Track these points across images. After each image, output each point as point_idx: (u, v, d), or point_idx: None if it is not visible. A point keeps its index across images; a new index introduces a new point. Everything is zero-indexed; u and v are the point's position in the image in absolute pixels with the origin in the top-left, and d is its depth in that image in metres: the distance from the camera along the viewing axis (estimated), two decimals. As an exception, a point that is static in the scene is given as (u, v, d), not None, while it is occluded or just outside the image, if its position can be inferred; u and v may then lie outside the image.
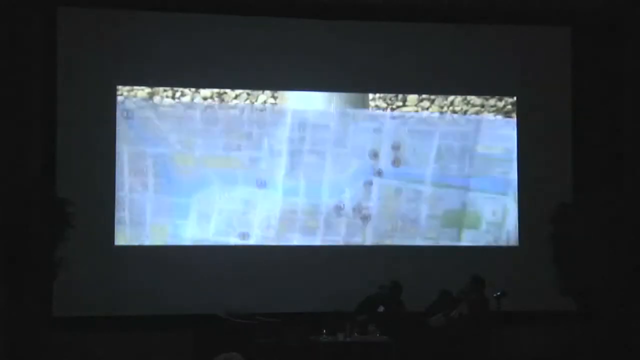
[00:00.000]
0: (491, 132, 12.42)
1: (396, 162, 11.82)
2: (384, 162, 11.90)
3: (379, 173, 11.96)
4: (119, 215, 11.76)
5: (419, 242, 12.02)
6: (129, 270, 11.72)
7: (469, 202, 12.11)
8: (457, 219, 12.11)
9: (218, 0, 12.14)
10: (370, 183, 11.91)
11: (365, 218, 11.83)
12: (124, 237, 11.80)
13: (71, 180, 11.54)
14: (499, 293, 10.51)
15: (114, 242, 11.77)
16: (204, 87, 12.06)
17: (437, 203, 11.99)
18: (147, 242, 11.84)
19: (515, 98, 12.72)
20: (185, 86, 12.01)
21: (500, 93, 12.73)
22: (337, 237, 11.85)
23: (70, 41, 11.74)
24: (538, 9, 12.57)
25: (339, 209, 11.73)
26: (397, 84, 12.45)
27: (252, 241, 11.74)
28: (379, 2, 12.32)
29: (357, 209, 11.82)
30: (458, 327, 10.60)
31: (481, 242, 12.18)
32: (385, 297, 11.25)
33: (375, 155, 11.88)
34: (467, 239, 12.08)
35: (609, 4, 12.53)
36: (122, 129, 11.82)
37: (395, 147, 11.88)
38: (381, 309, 11.19)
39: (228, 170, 11.69)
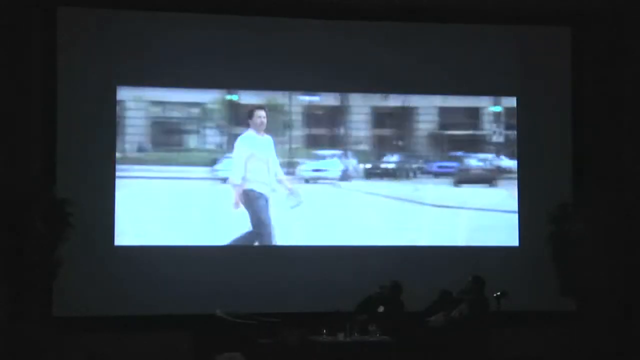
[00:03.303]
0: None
1: None
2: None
3: None
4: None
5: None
6: (129, 270, 11.72)
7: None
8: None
9: (218, 0, 12.15)
10: None
11: None
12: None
13: (71, 180, 11.53)
14: (499, 293, 10.52)
15: (114, 242, 11.78)
16: (204, 87, 12.07)
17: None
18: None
19: (515, 98, 12.74)
20: (185, 86, 12.03)
21: (500, 93, 12.74)
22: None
23: (70, 41, 11.73)
24: (538, 9, 12.57)
25: None
26: (396, 83, 12.46)
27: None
28: (379, 2, 12.32)
29: None
30: (458, 327, 10.59)
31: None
32: (385, 297, 11.25)
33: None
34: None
35: (609, 4, 12.53)
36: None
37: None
38: (381, 309, 11.19)
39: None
